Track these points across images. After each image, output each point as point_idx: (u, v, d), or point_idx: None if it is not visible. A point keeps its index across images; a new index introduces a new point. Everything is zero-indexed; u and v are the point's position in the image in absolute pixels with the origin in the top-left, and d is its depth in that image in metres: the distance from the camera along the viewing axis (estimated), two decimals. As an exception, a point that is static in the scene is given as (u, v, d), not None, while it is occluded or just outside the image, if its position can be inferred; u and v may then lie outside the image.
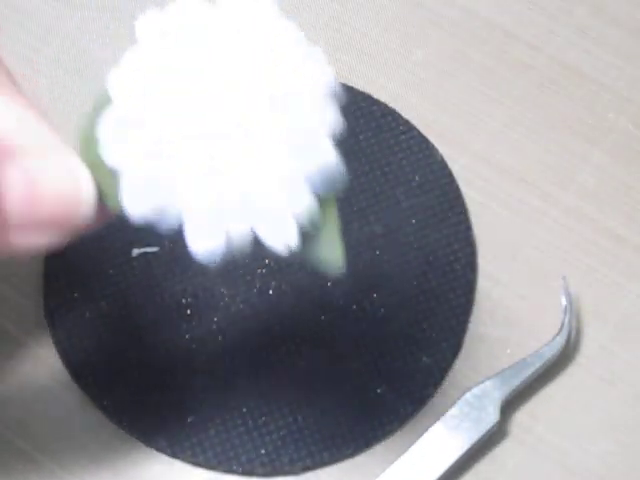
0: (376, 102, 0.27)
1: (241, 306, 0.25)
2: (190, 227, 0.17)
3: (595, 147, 0.27)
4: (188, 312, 0.25)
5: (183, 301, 0.25)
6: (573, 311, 0.24)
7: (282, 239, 0.17)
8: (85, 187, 0.18)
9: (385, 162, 0.26)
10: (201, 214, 0.17)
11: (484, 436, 0.23)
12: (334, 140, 0.17)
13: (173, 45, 0.17)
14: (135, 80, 0.17)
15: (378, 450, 0.24)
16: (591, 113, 0.28)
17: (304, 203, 0.17)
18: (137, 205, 0.17)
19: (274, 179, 0.17)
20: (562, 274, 0.25)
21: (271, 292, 0.25)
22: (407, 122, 0.27)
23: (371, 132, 0.27)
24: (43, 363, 0.25)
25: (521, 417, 0.24)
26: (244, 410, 0.24)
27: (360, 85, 0.28)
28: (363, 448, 0.24)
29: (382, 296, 0.25)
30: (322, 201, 0.17)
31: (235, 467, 0.24)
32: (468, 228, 0.26)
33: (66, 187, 0.18)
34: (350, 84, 0.28)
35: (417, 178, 0.26)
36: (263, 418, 0.24)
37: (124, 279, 0.25)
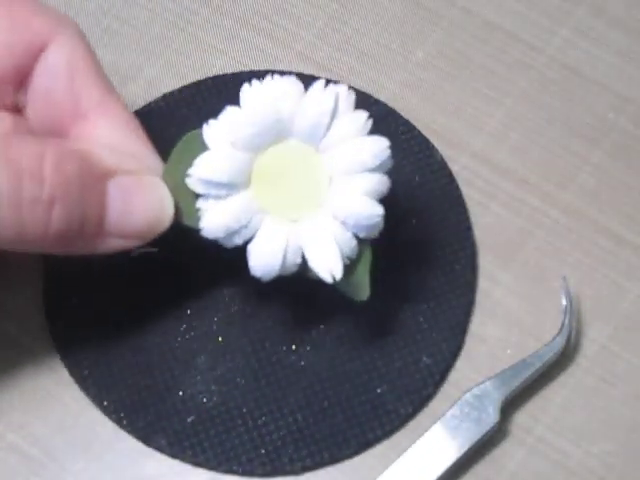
0: (376, 102, 0.27)
1: (241, 306, 0.25)
2: (255, 252, 0.21)
3: (595, 147, 0.27)
4: (188, 312, 0.25)
5: (183, 301, 0.25)
6: (573, 311, 0.24)
7: (329, 269, 0.21)
8: (168, 208, 0.22)
9: None
10: (267, 244, 0.21)
11: (484, 437, 0.23)
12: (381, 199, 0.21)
13: (265, 115, 0.21)
14: (229, 135, 0.21)
15: (378, 450, 0.24)
16: (591, 113, 0.28)
17: (349, 245, 0.22)
18: (215, 229, 0.21)
19: (329, 223, 0.21)
20: (562, 274, 0.25)
21: (271, 292, 0.25)
22: (407, 122, 0.27)
23: (371, 132, 0.27)
24: (43, 363, 0.25)
25: (521, 418, 0.24)
26: (244, 410, 0.24)
27: (360, 85, 0.28)
28: (363, 448, 0.24)
29: (382, 296, 0.24)
30: (361, 242, 0.22)
31: (235, 467, 0.24)
32: (468, 228, 0.26)
33: (153, 207, 0.22)
34: (350, 84, 0.27)
35: (417, 178, 0.26)
36: (263, 418, 0.24)
37: (124, 279, 0.25)
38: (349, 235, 0.21)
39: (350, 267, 0.22)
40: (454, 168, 0.27)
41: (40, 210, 0.20)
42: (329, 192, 0.22)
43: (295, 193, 0.22)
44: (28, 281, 0.26)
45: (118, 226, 0.21)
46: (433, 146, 0.27)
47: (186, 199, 0.22)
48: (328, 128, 0.21)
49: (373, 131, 0.27)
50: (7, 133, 0.22)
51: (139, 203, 0.21)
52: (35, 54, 0.22)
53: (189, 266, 0.25)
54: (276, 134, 0.21)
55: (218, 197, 0.21)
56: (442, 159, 0.27)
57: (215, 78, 0.28)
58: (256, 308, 0.25)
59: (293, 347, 0.25)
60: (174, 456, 0.24)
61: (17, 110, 0.23)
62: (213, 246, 0.22)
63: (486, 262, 0.26)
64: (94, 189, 0.21)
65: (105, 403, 0.24)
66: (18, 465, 0.24)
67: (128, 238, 0.22)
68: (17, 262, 0.26)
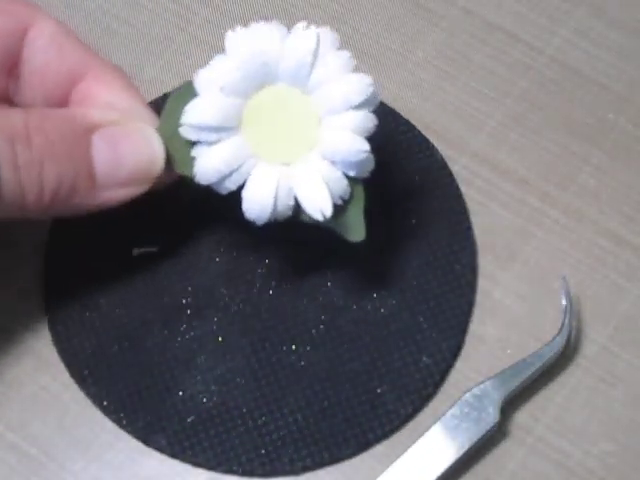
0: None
1: (241, 306, 0.25)
2: (248, 195, 0.21)
3: (595, 147, 0.27)
4: (188, 312, 0.25)
5: (183, 301, 0.25)
6: (573, 312, 0.24)
7: (319, 208, 0.21)
8: (157, 149, 0.22)
9: (385, 162, 0.26)
10: (259, 186, 0.21)
11: (484, 437, 0.23)
12: (367, 136, 0.21)
13: (251, 59, 0.21)
14: (218, 81, 0.21)
15: (378, 450, 0.24)
16: (591, 113, 0.28)
17: (339, 184, 0.22)
18: (207, 174, 0.21)
19: (319, 164, 0.22)
20: (562, 274, 0.25)
21: (271, 292, 0.25)
22: (407, 122, 0.27)
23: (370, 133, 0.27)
24: (43, 362, 0.25)
25: (521, 417, 0.24)
26: (244, 410, 0.24)
27: None
28: (363, 448, 0.24)
29: (382, 296, 0.25)
30: (352, 181, 0.22)
31: (235, 467, 0.24)
32: (468, 228, 0.26)
33: (142, 150, 0.22)
34: None
35: (417, 178, 0.26)
36: (263, 418, 0.24)
37: (124, 279, 0.25)
38: (339, 174, 0.22)
39: (343, 207, 0.22)
40: (454, 168, 0.27)
41: (34, 172, 0.20)
42: (318, 133, 0.22)
43: (285, 136, 0.22)
44: (29, 280, 0.26)
45: (110, 175, 0.22)
46: (433, 146, 0.27)
47: (182, 149, 0.22)
48: (312, 67, 0.21)
49: (373, 133, 0.27)
50: None
51: (127, 149, 0.22)
52: (19, 38, 0.22)
53: (189, 265, 0.25)
54: (263, 78, 0.22)
55: (210, 143, 0.21)
56: (442, 159, 0.27)
57: None
58: (256, 308, 0.25)
59: (293, 347, 0.24)
60: (174, 456, 0.24)
61: (6, 99, 0.23)
62: (210, 196, 0.22)
63: (486, 262, 0.26)
64: (79, 144, 0.21)
65: (105, 403, 0.24)
66: (18, 465, 0.24)
67: (124, 186, 0.22)
68: (18, 262, 0.26)
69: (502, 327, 0.25)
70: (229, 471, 0.24)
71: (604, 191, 0.27)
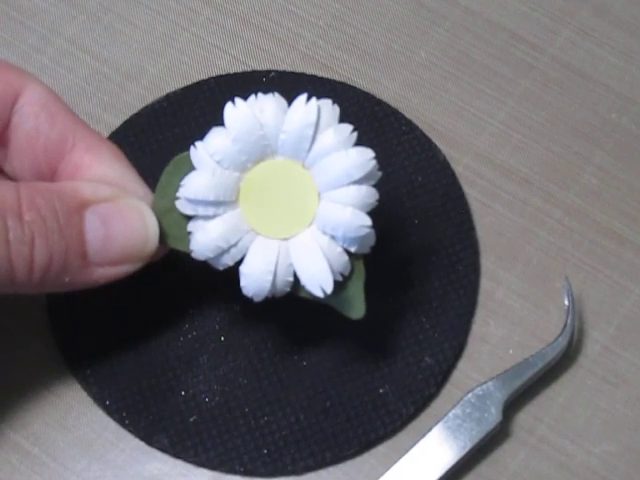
0: (379, 102, 0.27)
1: (244, 306, 0.24)
2: (245, 271, 0.21)
3: (598, 147, 0.27)
4: (191, 312, 0.25)
5: (186, 301, 0.25)
6: (575, 312, 0.24)
7: (319, 284, 0.21)
8: (151, 227, 0.22)
9: (388, 162, 0.26)
10: (257, 262, 0.21)
11: (486, 437, 0.23)
12: (370, 213, 0.21)
13: (249, 132, 0.21)
14: (215, 154, 0.21)
15: (380, 450, 0.24)
16: (594, 113, 0.28)
17: (340, 260, 0.21)
18: (204, 249, 0.21)
19: (319, 239, 0.21)
20: (564, 275, 0.25)
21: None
22: (410, 122, 0.27)
23: (374, 132, 0.27)
24: (45, 362, 0.25)
25: (523, 418, 0.24)
26: (246, 410, 0.24)
27: (363, 85, 0.28)
28: (365, 448, 0.24)
29: (385, 296, 0.25)
30: (353, 257, 0.21)
31: (237, 467, 0.23)
32: (471, 228, 0.26)
33: (134, 228, 0.21)
34: (353, 84, 0.28)
35: (420, 178, 0.26)
36: (265, 418, 0.24)
37: (127, 279, 0.25)
38: (339, 250, 0.21)
39: (343, 284, 0.21)
40: (457, 168, 0.27)
41: (25, 248, 0.20)
42: (318, 208, 0.21)
43: (284, 211, 0.22)
44: None
45: (102, 253, 0.21)
46: (436, 146, 0.27)
47: (177, 223, 0.22)
48: (313, 142, 0.21)
49: (377, 130, 0.27)
50: None
51: (119, 227, 0.21)
52: (9, 104, 0.22)
53: (192, 266, 0.25)
54: (261, 151, 0.21)
55: (206, 218, 0.21)
56: (445, 159, 0.27)
57: (218, 78, 0.28)
58: (258, 308, 0.24)
59: (295, 347, 0.24)
60: (176, 456, 0.24)
61: None
62: (206, 269, 0.21)
63: (488, 262, 0.26)
64: (70, 220, 0.21)
65: (107, 402, 0.24)
66: (20, 464, 0.24)
67: (117, 264, 0.22)
68: None
69: (504, 327, 0.25)
70: (231, 471, 0.24)
71: (607, 191, 0.27)
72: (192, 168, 0.21)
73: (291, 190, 0.21)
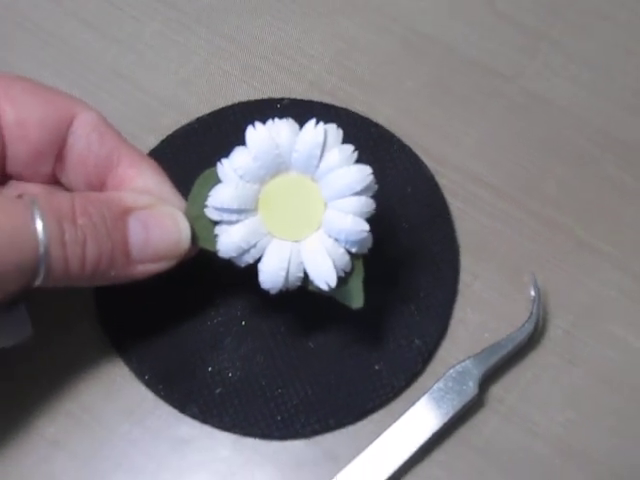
0: (375, 125, 0.28)
1: (261, 297, 0.24)
2: (263, 268, 0.22)
3: (557, 161, 0.28)
4: (217, 301, 0.25)
5: (213, 292, 0.25)
6: (540, 302, 0.25)
7: (324, 279, 0.21)
8: (184, 233, 0.22)
9: (382, 176, 0.26)
10: (273, 261, 0.21)
11: (465, 406, 0.24)
12: (368, 219, 0.21)
13: (267, 151, 0.21)
14: (238, 170, 0.22)
15: (375, 417, 0.24)
16: (554, 133, 0.28)
17: (342, 259, 0.22)
18: (228, 249, 0.22)
19: (325, 241, 0.22)
20: (531, 270, 0.25)
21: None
22: (400, 141, 0.27)
23: (370, 150, 0.27)
24: (93, 344, 0.25)
25: (496, 390, 0.25)
26: (263, 383, 0.24)
27: (361, 110, 0.28)
28: (363, 416, 0.24)
29: (380, 289, 0.25)
30: (354, 256, 0.22)
31: (255, 431, 0.24)
32: (452, 231, 0.26)
33: (170, 231, 0.22)
34: (353, 110, 0.28)
35: (409, 189, 0.27)
36: (279, 390, 0.24)
37: (164, 274, 0.24)
38: (342, 250, 0.21)
39: (345, 279, 0.22)
40: (440, 181, 0.27)
41: (78, 248, 0.20)
42: (324, 215, 0.22)
43: (296, 217, 0.22)
44: None
45: (142, 253, 0.22)
46: (422, 162, 0.27)
47: (206, 227, 0.22)
48: (320, 159, 0.21)
49: (372, 148, 0.27)
50: (49, 192, 0.23)
51: (157, 231, 0.22)
52: (66, 127, 0.23)
53: (218, 264, 0.24)
54: (277, 167, 0.22)
55: (231, 223, 0.22)
56: (430, 173, 0.27)
57: (240, 104, 0.28)
58: (273, 298, 0.24)
59: (304, 331, 0.25)
60: (204, 422, 0.24)
61: (54, 180, 0.23)
62: (230, 266, 0.22)
63: (466, 260, 0.26)
64: (116, 224, 0.21)
65: (146, 377, 0.24)
66: (74, 428, 0.24)
67: (155, 262, 0.22)
68: None
69: (480, 314, 0.25)
70: (250, 434, 0.24)
71: (566, 199, 0.27)
72: (218, 181, 0.22)
73: (302, 200, 0.22)
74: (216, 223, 0.22)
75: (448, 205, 0.27)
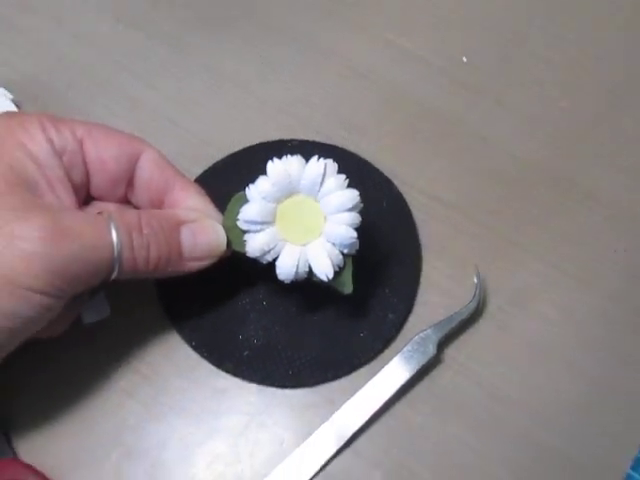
0: (360, 159, 0.28)
1: (277, 285, 0.23)
2: (279, 264, 0.22)
3: (495, 183, 0.28)
4: (245, 288, 0.25)
5: (243, 281, 0.25)
6: (481, 286, 0.25)
7: (324, 272, 0.22)
8: (222, 238, 0.23)
9: (365, 195, 0.24)
10: (286, 260, 0.22)
11: (427, 364, 0.24)
12: (357, 229, 0.22)
13: (282, 179, 0.22)
14: (261, 193, 0.22)
15: (362, 372, 0.25)
16: (493, 163, 0.28)
17: (337, 258, 0.22)
18: (254, 251, 0.22)
19: (324, 245, 0.22)
20: (475, 263, 0.26)
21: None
22: (377, 170, 0.28)
23: (357, 177, 0.25)
24: (154, 318, 0.25)
25: (450, 352, 0.25)
26: (279, 347, 0.25)
27: (349, 148, 0.28)
28: (351, 370, 0.25)
29: (364, 277, 0.25)
30: (345, 255, 0.22)
31: (273, 382, 0.24)
32: (416, 235, 0.27)
33: (211, 238, 0.23)
34: (344, 147, 0.28)
35: (384, 204, 0.27)
36: (290, 352, 0.25)
37: (207, 269, 0.24)
38: (337, 251, 0.22)
39: (339, 272, 0.22)
40: (407, 198, 0.27)
41: (143, 251, 0.21)
42: (325, 225, 0.22)
43: (303, 227, 0.22)
44: None
45: (191, 254, 0.22)
46: (394, 184, 0.27)
47: (237, 234, 0.23)
48: (321, 185, 0.22)
49: (359, 176, 0.26)
50: (122, 209, 0.23)
51: (203, 238, 0.22)
52: (134, 162, 0.23)
53: (247, 264, 0.24)
54: (289, 191, 0.22)
55: (255, 231, 0.22)
56: (399, 193, 0.27)
57: (260, 144, 0.28)
58: (287, 285, 0.23)
59: (310, 309, 0.25)
60: (235, 375, 0.24)
61: (126, 200, 0.24)
62: (255, 262, 0.22)
63: (427, 256, 0.26)
64: (172, 234, 0.22)
65: (193, 343, 0.25)
66: (140, 382, 0.24)
67: (201, 260, 0.22)
68: None
69: (438, 296, 0.26)
70: (270, 384, 0.24)
71: (501, 211, 0.27)
72: (246, 201, 0.22)
73: (307, 214, 0.22)
74: (245, 232, 0.23)
75: (413, 216, 0.27)
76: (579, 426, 0.23)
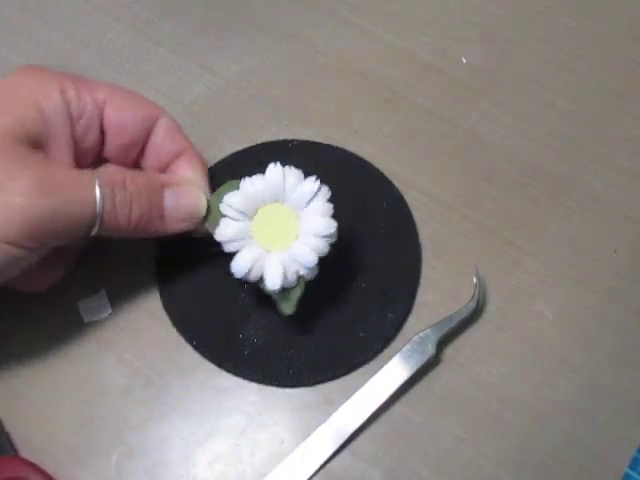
0: (360, 159, 0.28)
1: None
2: (236, 260, 0.22)
3: (493, 185, 0.28)
4: (245, 286, 0.25)
5: (243, 284, 0.24)
6: (481, 286, 0.25)
7: (273, 283, 0.22)
8: (202, 205, 0.23)
9: (365, 196, 0.27)
10: (246, 258, 0.22)
11: (426, 363, 0.24)
12: (321, 258, 0.22)
13: (275, 184, 0.23)
14: (252, 187, 0.23)
15: (361, 371, 0.25)
16: (491, 164, 0.28)
17: (292, 275, 0.22)
18: (221, 235, 0.23)
19: (285, 260, 0.22)
20: (474, 263, 0.26)
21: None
22: (378, 170, 0.28)
23: (356, 178, 0.27)
24: (155, 318, 0.25)
25: (449, 352, 0.25)
26: (279, 346, 0.25)
27: (350, 148, 0.28)
28: (351, 370, 0.25)
29: (364, 279, 0.25)
30: (301, 278, 0.23)
31: (273, 381, 0.24)
32: (416, 235, 0.27)
33: (192, 203, 0.23)
34: (344, 147, 0.28)
35: (385, 205, 0.27)
36: (290, 351, 0.25)
37: (208, 267, 0.26)
38: (295, 269, 0.22)
39: (288, 290, 0.22)
40: (407, 198, 0.27)
41: (125, 207, 0.21)
42: (295, 242, 0.22)
43: (276, 234, 0.23)
44: (143, 254, 0.26)
45: (172, 215, 0.23)
46: (394, 185, 0.27)
47: (216, 216, 0.23)
48: (309, 204, 0.23)
49: (358, 176, 0.27)
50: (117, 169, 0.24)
51: (184, 201, 0.23)
52: (150, 127, 0.24)
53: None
54: (276, 197, 0.23)
55: (233, 219, 0.23)
56: (399, 193, 0.27)
57: (261, 144, 0.28)
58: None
59: (310, 309, 0.24)
60: (236, 375, 0.24)
61: (136, 165, 0.25)
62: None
63: (427, 256, 0.26)
64: (155, 194, 0.22)
65: (194, 342, 0.25)
66: (141, 381, 0.25)
67: (181, 222, 0.23)
68: (135, 250, 0.26)
69: (437, 295, 0.26)
70: (270, 384, 0.24)
71: (500, 213, 0.27)
72: (237, 189, 0.23)
73: (285, 225, 0.23)
74: (223, 216, 0.23)
75: (413, 216, 0.27)
76: (577, 425, 0.23)
